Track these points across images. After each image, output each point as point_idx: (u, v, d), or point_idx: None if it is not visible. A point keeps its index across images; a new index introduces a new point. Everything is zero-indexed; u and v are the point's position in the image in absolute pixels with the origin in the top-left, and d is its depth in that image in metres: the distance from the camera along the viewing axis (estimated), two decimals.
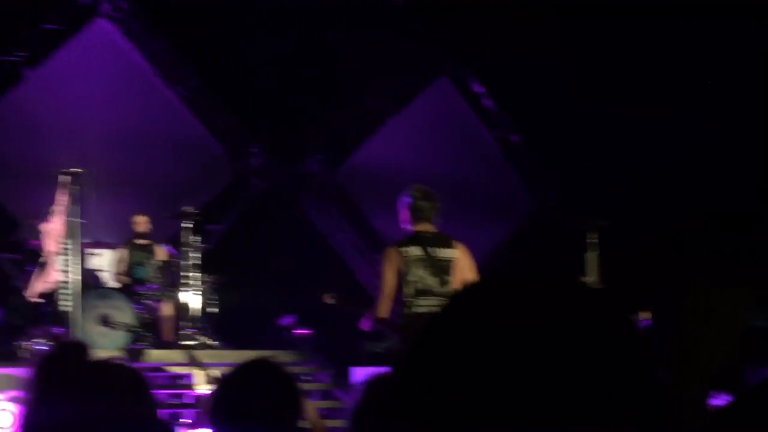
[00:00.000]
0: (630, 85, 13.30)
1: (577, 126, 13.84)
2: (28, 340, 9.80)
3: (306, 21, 13.35)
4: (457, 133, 15.00)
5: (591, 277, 9.01)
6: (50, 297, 9.79)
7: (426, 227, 6.44)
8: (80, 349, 2.46)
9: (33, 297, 9.01)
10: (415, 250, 6.32)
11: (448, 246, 6.47)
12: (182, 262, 10.80)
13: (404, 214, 6.49)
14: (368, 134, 14.62)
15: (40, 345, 9.64)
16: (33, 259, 10.92)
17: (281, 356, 8.31)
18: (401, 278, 6.24)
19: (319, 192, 14.58)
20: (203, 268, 10.84)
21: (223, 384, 2.87)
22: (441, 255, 6.38)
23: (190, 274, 10.66)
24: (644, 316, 9.52)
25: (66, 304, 8.49)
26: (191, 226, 10.76)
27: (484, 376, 0.96)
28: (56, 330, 9.64)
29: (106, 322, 10.21)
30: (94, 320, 10.07)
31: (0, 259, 12.66)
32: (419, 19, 14.32)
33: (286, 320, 11.12)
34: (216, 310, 11.02)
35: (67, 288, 8.50)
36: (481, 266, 15.13)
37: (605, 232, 9.34)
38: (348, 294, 8.12)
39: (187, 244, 10.64)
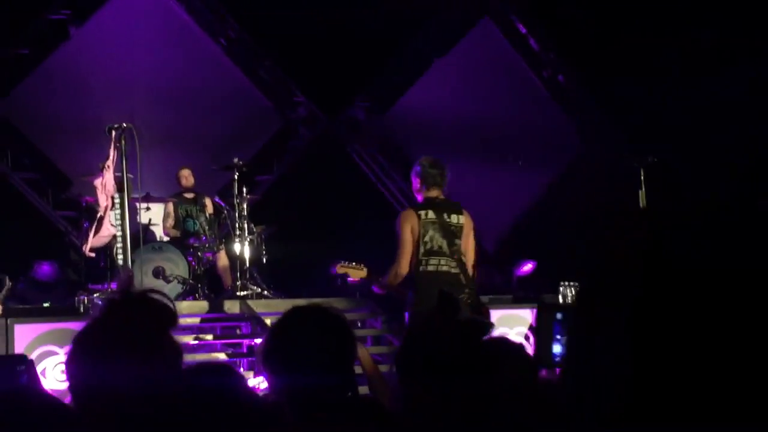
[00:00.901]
0: (685, 20, 13.07)
1: (624, 61, 13.65)
2: (87, 294, 9.98)
3: None
4: (503, 74, 14.85)
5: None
6: (105, 252, 9.94)
7: (437, 193, 6.97)
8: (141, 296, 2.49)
9: (89, 252, 9.14)
10: (430, 214, 6.88)
11: (459, 212, 7.02)
12: (232, 214, 10.87)
13: (416, 182, 7.00)
14: (414, 79, 14.54)
15: (99, 299, 9.83)
16: (87, 216, 11.09)
17: (333, 303, 8.37)
18: (417, 239, 6.82)
19: (366, 139, 14.56)
20: (253, 218, 10.90)
21: (275, 331, 2.89)
22: (452, 220, 6.95)
23: (241, 225, 10.74)
24: None
25: (121, 258, 8.61)
26: (240, 177, 10.81)
27: None
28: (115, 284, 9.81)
29: (160, 274, 10.34)
30: (149, 273, 10.22)
31: (55, 216, 12.86)
32: None
33: (333, 270, 11.17)
34: (266, 260, 11.10)
35: (121, 242, 8.61)
36: (533, 207, 15.11)
37: (656, 169, 9.27)
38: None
39: (236, 196, 10.69)
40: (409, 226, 6.83)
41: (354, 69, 13.82)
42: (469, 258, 7.06)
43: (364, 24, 13.48)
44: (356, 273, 7.11)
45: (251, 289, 10.52)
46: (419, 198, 6.99)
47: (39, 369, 8.17)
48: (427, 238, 6.84)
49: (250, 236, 10.75)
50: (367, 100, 14.52)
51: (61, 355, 9.09)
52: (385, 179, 14.48)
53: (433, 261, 6.84)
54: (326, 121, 14.31)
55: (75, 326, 9.44)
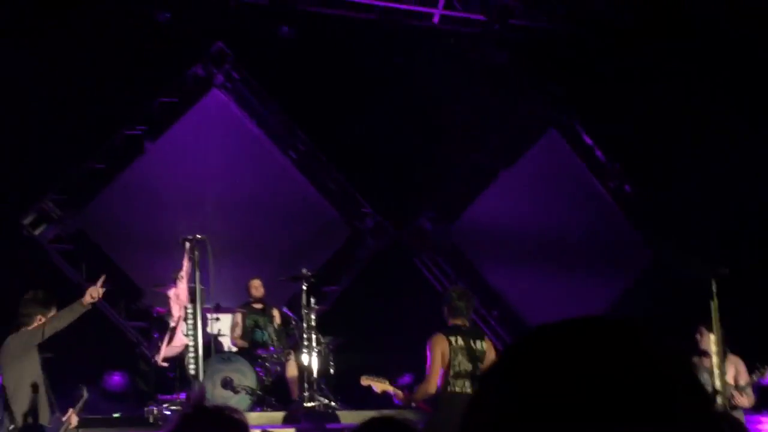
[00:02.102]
0: (747, 128, 13.07)
1: (691, 172, 13.63)
2: (157, 405, 10.03)
3: (413, 81, 13.51)
4: (569, 184, 14.89)
5: (714, 326, 8.78)
6: (175, 362, 10.01)
7: (462, 322, 7.76)
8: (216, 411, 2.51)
9: (161, 362, 9.23)
10: (459, 340, 7.65)
11: (482, 339, 7.82)
12: (300, 324, 10.91)
13: (445, 311, 7.81)
14: (480, 190, 14.64)
15: (169, 410, 9.87)
16: (157, 326, 11.22)
17: (406, 415, 8.31)
18: (447, 362, 7.57)
19: (433, 250, 14.62)
20: (321, 329, 10.92)
21: None
22: (477, 347, 7.71)
23: (309, 335, 10.76)
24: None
25: (192, 368, 8.67)
26: (308, 288, 10.88)
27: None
28: (184, 395, 9.86)
29: (229, 385, 10.36)
30: (217, 384, 10.25)
31: (126, 327, 13.02)
32: (525, 73, 14.37)
33: (405, 379, 11.13)
34: (334, 371, 11.07)
35: (193, 352, 8.69)
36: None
37: (726, 281, 9.12)
38: None
39: (304, 306, 10.74)
40: (440, 350, 7.58)
41: (421, 180, 13.98)
42: None
43: (431, 136, 13.69)
44: (380, 386, 8.03)
45: (319, 401, 10.49)
46: (448, 323, 7.75)
47: None
48: (456, 362, 7.57)
49: (318, 347, 10.75)
50: (434, 210, 14.63)
51: None
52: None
53: (459, 383, 7.57)
54: (393, 232, 14.41)
55: None
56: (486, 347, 7.74)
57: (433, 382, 7.56)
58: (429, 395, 7.60)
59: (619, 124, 14.27)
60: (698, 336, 9.18)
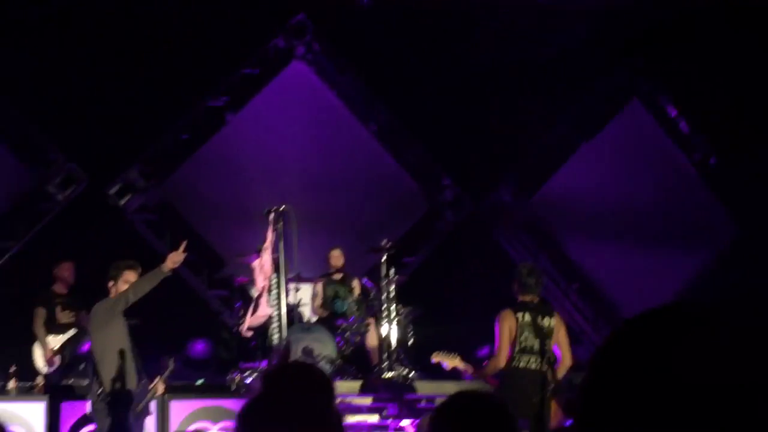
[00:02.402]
0: None
1: None
2: (239, 373, 10.20)
3: (495, 52, 13.41)
4: (652, 157, 14.66)
5: None
6: (258, 331, 10.15)
7: (531, 297, 7.85)
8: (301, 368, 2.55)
9: (246, 332, 9.38)
10: (527, 317, 7.75)
11: (551, 315, 7.89)
12: (379, 295, 10.97)
13: (515, 286, 7.91)
14: (561, 162, 14.50)
15: (251, 377, 10.03)
16: (239, 296, 11.38)
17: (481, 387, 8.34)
18: (513, 338, 7.70)
19: (513, 222, 14.55)
20: (400, 300, 10.95)
21: (440, 414, 2.92)
22: (545, 323, 7.80)
23: (388, 306, 10.80)
24: None
25: (276, 337, 8.79)
26: (387, 259, 10.91)
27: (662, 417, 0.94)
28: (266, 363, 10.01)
29: (309, 354, 10.48)
30: (298, 353, 10.37)
31: (209, 296, 13.24)
32: (608, 44, 14.15)
33: (484, 351, 11.13)
34: (411, 341, 11.11)
35: (276, 322, 8.80)
36: (684, 294, 14.73)
37: None
38: None
39: (384, 277, 10.78)
40: (507, 326, 7.71)
41: (501, 153, 13.89)
42: (566, 354, 7.87)
43: (512, 108, 13.58)
44: (451, 361, 8.12)
45: (397, 371, 10.54)
46: (517, 299, 7.84)
47: None
48: (522, 338, 7.70)
49: (397, 318, 10.79)
50: (514, 184, 14.54)
51: (214, 431, 9.29)
52: (531, 262, 14.37)
53: (524, 359, 7.71)
54: (472, 205, 14.38)
55: (227, 404, 9.67)
56: (555, 323, 7.83)
57: (502, 358, 7.69)
58: (498, 370, 7.74)
59: (704, 95, 13.99)
60: None
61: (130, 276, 8.02)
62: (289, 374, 2.44)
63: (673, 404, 0.94)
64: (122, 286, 7.98)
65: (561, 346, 7.88)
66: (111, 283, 8.07)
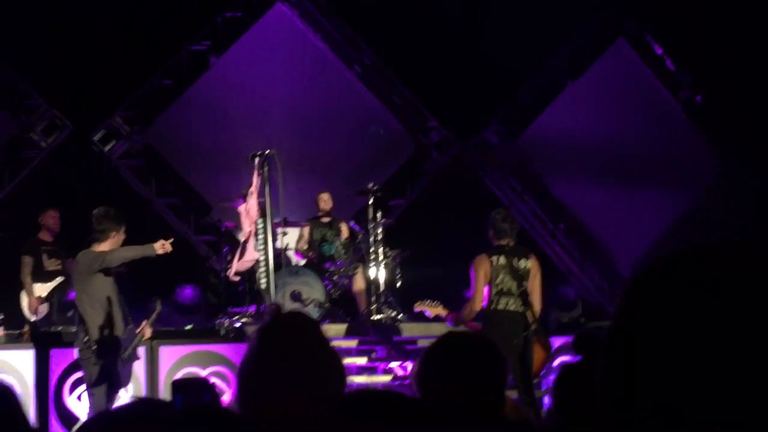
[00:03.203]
0: None
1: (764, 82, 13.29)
2: (227, 318, 10.24)
3: None
4: (638, 96, 14.62)
5: None
6: (245, 276, 10.16)
7: (508, 241, 7.93)
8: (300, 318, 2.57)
9: (233, 276, 9.39)
10: (502, 260, 7.83)
11: (526, 257, 7.97)
12: (367, 238, 10.98)
13: (490, 232, 7.99)
14: (547, 102, 14.46)
15: (239, 322, 10.07)
16: (227, 240, 11.38)
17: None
18: (489, 281, 7.76)
19: (499, 163, 14.53)
20: (387, 243, 10.97)
21: (430, 355, 2.92)
22: (521, 265, 7.88)
23: (375, 249, 10.83)
24: None
25: (263, 282, 8.80)
26: (374, 202, 10.91)
27: (692, 361, 0.92)
28: (254, 308, 10.04)
29: (297, 298, 10.52)
30: (286, 297, 10.41)
31: (196, 241, 13.24)
32: None
33: (470, 293, 11.16)
34: (400, 284, 11.16)
35: (264, 266, 8.80)
36: (671, 232, 14.80)
37: None
38: None
39: (371, 220, 10.78)
40: (482, 270, 7.78)
41: (487, 94, 13.82)
42: (535, 298, 7.89)
43: (497, 49, 13.48)
44: (433, 309, 8.21)
45: (385, 313, 10.60)
46: (493, 244, 7.94)
47: None
48: (498, 281, 7.78)
49: (385, 260, 10.82)
50: (500, 124, 14.50)
51: (204, 375, 9.33)
52: (519, 203, 14.41)
53: (503, 301, 7.78)
54: (459, 146, 14.35)
55: (216, 348, 9.71)
56: (531, 265, 7.91)
57: (477, 301, 7.78)
58: (475, 314, 7.80)
59: (690, 32, 13.91)
60: None
61: (117, 236, 7.99)
62: (283, 326, 2.45)
63: (715, 346, 0.92)
64: (105, 242, 7.94)
65: (533, 291, 7.89)
66: (96, 234, 8.02)
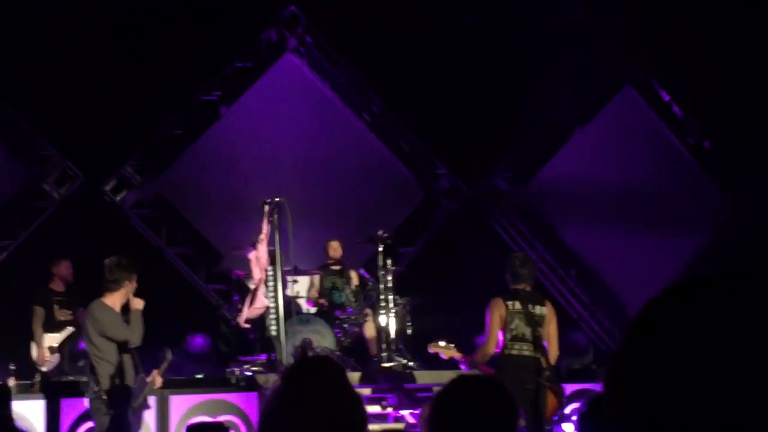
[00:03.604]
0: None
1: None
2: (238, 366, 10.21)
3: (486, 39, 13.40)
4: (646, 142, 14.66)
5: None
6: (256, 324, 10.15)
7: (524, 286, 7.94)
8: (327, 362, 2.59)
9: (244, 324, 9.38)
10: (517, 305, 7.84)
11: (542, 304, 7.98)
12: (377, 286, 10.97)
13: (508, 276, 7.99)
14: (555, 148, 14.50)
15: (250, 371, 10.04)
16: (237, 289, 11.38)
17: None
18: (504, 325, 7.78)
19: (508, 209, 14.55)
20: (398, 290, 10.96)
21: (441, 398, 2.92)
22: (536, 311, 7.89)
23: (386, 297, 10.81)
24: None
25: (274, 329, 8.79)
26: (384, 249, 10.91)
27: (696, 380, 0.94)
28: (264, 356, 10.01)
29: (308, 346, 10.49)
30: (297, 345, 10.38)
31: (206, 290, 13.25)
32: (601, 29, 14.15)
33: (482, 339, 11.13)
34: (411, 331, 11.13)
35: (274, 314, 8.80)
36: (681, 277, 14.72)
37: None
38: None
39: (381, 268, 10.78)
40: (497, 313, 7.80)
41: (495, 140, 13.89)
42: (552, 344, 7.95)
43: (505, 95, 13.57)
44: (447, 352, 8.20)
45: (396, 361, 10.56)
46: (509, 288, 7.94)
47: None
48: (513, 326, 7.78)
49: (395, 308, 10.80)
50: (509, 171, 14.54)
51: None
52: (528, 249, 14.39)
53: (517, 346, 7.79)
54: (468, 192, 14.37)
55: (227, 397, 9.68)
56: (546, 312, 7.93)
57: (491, 345, 7.80)
58: (488, 357, 7.81)
59: (697, 79, 13.98)
60: None
61: (129, 286, 8.01)
62: (308, 368, 2.47)
63: (717, 371, 0.94)
64: (118, 292, 7.95)
65: (549, 338, 7.92)
66: (109, 284, 8.02)
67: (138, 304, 7.98)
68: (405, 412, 9.97)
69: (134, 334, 7.87)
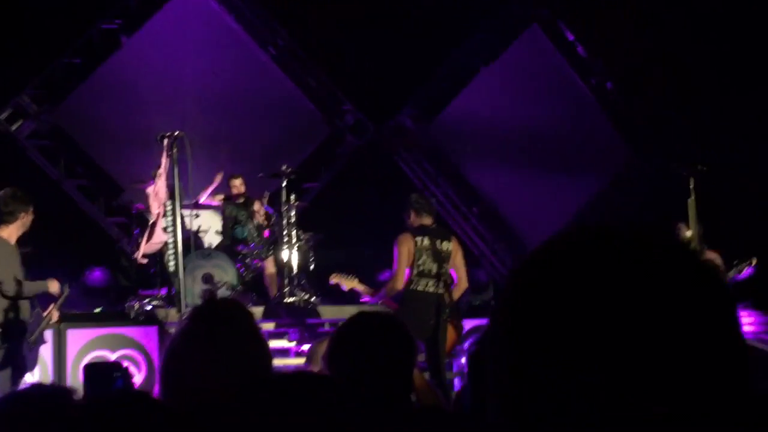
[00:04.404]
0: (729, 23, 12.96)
1: (673, 68, 13.56)
2: (138, 301, 10.10)
3: None
4: (550, 81, 14.80)
5: (691, 224, 8.88)
6: (156, 258, 10.04)
7: (429, 221, 7.97)
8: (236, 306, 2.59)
9: (141, 259, 9.25)
10: (426, 241, 7.84)
11: (448, 240, 8.01)
12: (280, 221, 10.93)
13: (411, 214, 7.97)
14: (461, 87, 14.55)
15: (150, 305, 9.94)
16: (138, 222, 11.22)
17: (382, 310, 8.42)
18: (411, 261, 7.77)
19: (413, 147, 14.60)
20: (301, 225, 10.94)
21: (341, 334, 2.92)
22: (443, 247, 7.91)
23: (288, 232, 10.78)
24: (751, 263, 9.36)
25: (172, 264, 8.69)
26: (288, 184, 10.85)
27: (575, 333, 0.95)
28: (164, 291, 9.92)
29: (209, 281, 10.43)
30: (198, 279, 10.31)
31: (106, 223, 13.03)
32: None
33: (385, 275, 11.22)
34: (313, 266, 11.14)
35: (172, 249, 8.70)
36: (579, 216, 15.03)
37: (704, 178, 9.15)
38: None
39: (284, 203, 10.73)
40: (406, 248, 7.80)
41: (401, 78, 13.86)
42: (462, 275, 8.06)
43: (412, 33, 13.52)
44: (348, 283, 8.27)
45: (299, 296, 10.58)
46: (415, 225, 7.92)
47: None
48: (420, 261, 7.79)
49: (298, 243, 10.79)
50: (415, 108, 14.56)
51: (113, 358, 9.20)
52: (432, 186, 14.49)
53: (423, 282, 7.81)
54: (373, 129, 14.36)
55: (126, 331, 9.57)
56: (452, 248, 7.96)
57: (400, 280, 7.80)
58: (396, 292, 7.83)
59: (602, 19, 14.13)
60: (676, 233, 9.25)
61: (25, 217, 7.78)
62: (216, 311, 2.47)
63: (590, 320, 0.95)
64: (14, 224, 7.73)
65: (458, 269, 8.00)
66: (4, 216, 7.80)
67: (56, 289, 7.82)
68: (307, 347, 10.01)
69: (26, 288, 7.67)
